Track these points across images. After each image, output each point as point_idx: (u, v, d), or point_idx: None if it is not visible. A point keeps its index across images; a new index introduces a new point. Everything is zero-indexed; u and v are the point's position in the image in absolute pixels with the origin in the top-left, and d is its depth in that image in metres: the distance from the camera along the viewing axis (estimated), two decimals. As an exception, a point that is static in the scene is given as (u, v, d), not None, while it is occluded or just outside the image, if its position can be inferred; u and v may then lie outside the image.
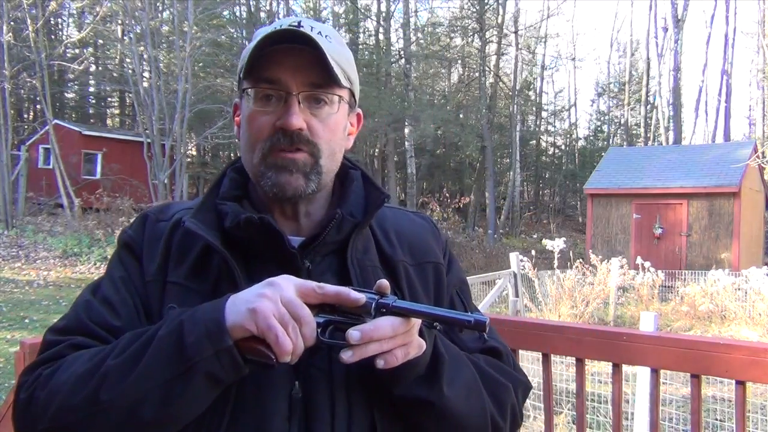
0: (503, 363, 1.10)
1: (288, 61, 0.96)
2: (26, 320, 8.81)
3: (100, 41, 24.58)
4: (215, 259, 0.98)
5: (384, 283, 0.88)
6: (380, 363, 0.86)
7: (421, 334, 0.91)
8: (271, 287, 0.83)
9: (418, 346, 0.89)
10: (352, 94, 1.05)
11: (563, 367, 4.94)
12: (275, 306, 0.82)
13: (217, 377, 0.84)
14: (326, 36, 0.98)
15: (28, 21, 17.39)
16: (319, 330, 0.85)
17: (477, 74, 27.10)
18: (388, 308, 0.86)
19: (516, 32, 28.41)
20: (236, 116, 1.09)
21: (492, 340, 1.11)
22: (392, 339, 0.85)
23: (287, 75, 0.96)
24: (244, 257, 0.99)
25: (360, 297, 0.85)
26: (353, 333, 0.83)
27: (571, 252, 13.41)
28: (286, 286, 0.84)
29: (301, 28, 0.96)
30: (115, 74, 24.77)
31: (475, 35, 26.53)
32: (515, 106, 29.05)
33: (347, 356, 0.84)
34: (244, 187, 1.07)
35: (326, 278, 0.98)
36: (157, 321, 0.96)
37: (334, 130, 1.01)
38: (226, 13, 24.13)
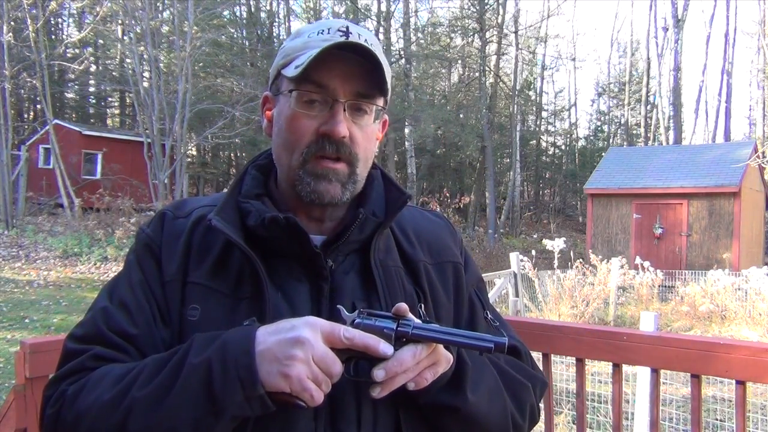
0: (522, 361, 1.12)
1: (338, 68, 0.96)
2: (26, 320, 8.80)
3: (100, 41, 24.57)
4: (236, 258, 0.98)
5: (402, 306, 0.89)
6: (411, 386, 0.88)
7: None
8: (301, 347, 0.81)
9: (446, 362, 0.90)
10: (386, 101, 1.05)
11: (563, 367, 4.94)
12: (308, 368, 0.82)
13: (245, 416, 0.86)
14: (371, 44, 0.98)
15: (29, 21, 17.38)
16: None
17: (477, 74, 27.07)
18: (407, 337, 0.87)
19: (516, 32, 28.39)
20: (265, 109, 1.08)
21: (511, 339, 1.12)
22: (417, 365, 0.87)
23: (336, 82, 0.96)
24: (266, 256, 0.99)
25: (388, 350, 0.84)
26: (378, 372, 0.85)
27: (571, 252, 13.40)
28: (315, 340, 0.82)
29: (350, 35, 0.96)
30: (115, 74, 24.76)
31: (475, 35, 26.51)
32: (515, 106, 29.03)
33: (376, 393, 0.86)
34: (265, 186, 1.07)
35: (349, 277, 1.00)
36: (176, 322, 0.96)
37: (371, 138, 1.02)
38: (226, 13, 24.13)
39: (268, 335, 0.84)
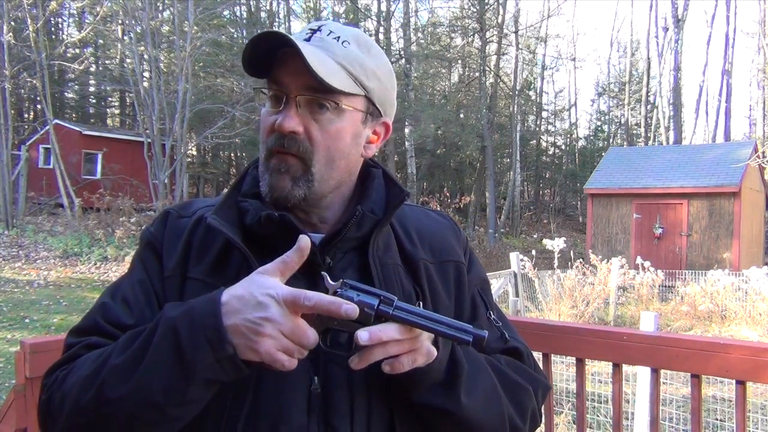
0: (524, 363, 1.11)
1: (291, 65, 0.95)
2: (26, 320, 8.81)
3: (101, 41, 24.59)
4: (235, 256, 0.99)
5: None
6: (386, 368, 0.87)
7: (435, 340, 0.91)
8: (269, 324, 0.81)
9: (426, 354, 0.89)
10: (371, 102, 1.02)
11: (563, 367, 4.94)
12: (277, 342, 0.82)
13: (218, 380, 0.85)
14: (344, 41, 0.97)
15: (29, 21, 17.37)
16: (319, 337, 0.85)
17: (477, 74, 27.06)
18: (387, 317, 0.86)
19: (516, 32, 28.38)
20: None
21: (513, 340, 1.12)
22: (399, 343, 0.86)
23: (288, 77, 0.96)
24: (265, 254, 0.98)
25: (352, 310, 0.83)
26: (362, 334, 0.84)
27: (571, 252, 13.40)
28: (283, 315, 0.81)
29: (318, 33, 0.97)
30: (115, 74, 24.73)
31: (476, 35, 26.51)
32: (515, 106, 29.02)
33: (354, 363, 0.86)
34: None
35: (348, 275, 0.99)
36: None
37: (335, 137, 0.98)
38: (226, 13, 24.12)
39: (234, 311, 0.83)
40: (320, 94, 0.96)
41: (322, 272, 0.90)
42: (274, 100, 0.99)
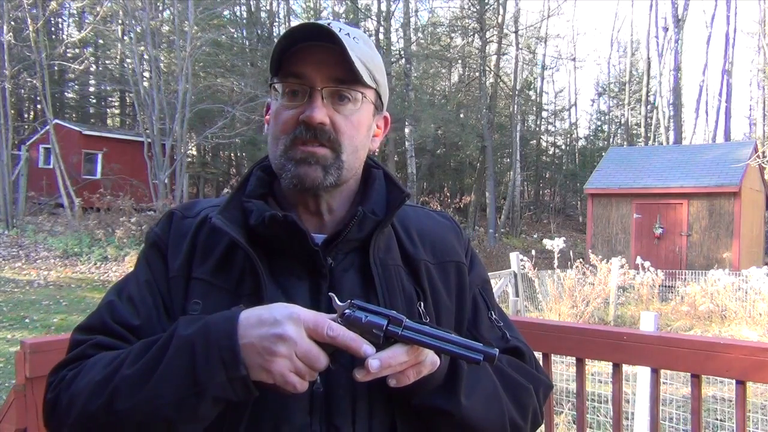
0: (526, 363, 1.12)
1: (313, 57, 0.97)
2: (26, 320, 8.81)
3: (101, 41, 24.56)
4: (239, 256, 1.00)
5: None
6: (392, 382, 0.88)
7: None
8: (284, 344, 0.82)
9: (431, 365, 0.90)
10: (378, 95, 1.05)
11: (563, 367, 4.94)
12: (291, 363, 0.83)
13: (227, 399, 0.86)
14: (354, 37, 0.99)
15: (29, 21, 17.35)
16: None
17: (477, 74, 27.06)
18: (396, 338, 0.86)
19: (516, 32, 28.37)
20: (267, 115, 1.11)
21: (515, 339, 1.13)
22: (406, 362, 0.87)
23: (312, 70, 0.97)
24: (268, 254, 1.00)
25: (370, 352, 0.84)
26: (373, 362, 0.84)
27: (571, 252, 13.41)
28: (299, 336, 0.83)
29: (329, 28, 0.98)
30: (115, 74, 24.74)
31: (476, 35, 26.50)
32: (515, 105, 29.02)
33: (360, 375, 0.86)
34: (270, 185, 1.08)
35: (349, 275, 1.01)
36: (179, 316, 0.97)
37: (357, 127, 1.02)
38: (226, 13, 24.11)
39: (250, 328, 0.84)
40: (344, 86, 0.98)
41: (330, 293, 0.91)
42: (291, 95, 1.00)
